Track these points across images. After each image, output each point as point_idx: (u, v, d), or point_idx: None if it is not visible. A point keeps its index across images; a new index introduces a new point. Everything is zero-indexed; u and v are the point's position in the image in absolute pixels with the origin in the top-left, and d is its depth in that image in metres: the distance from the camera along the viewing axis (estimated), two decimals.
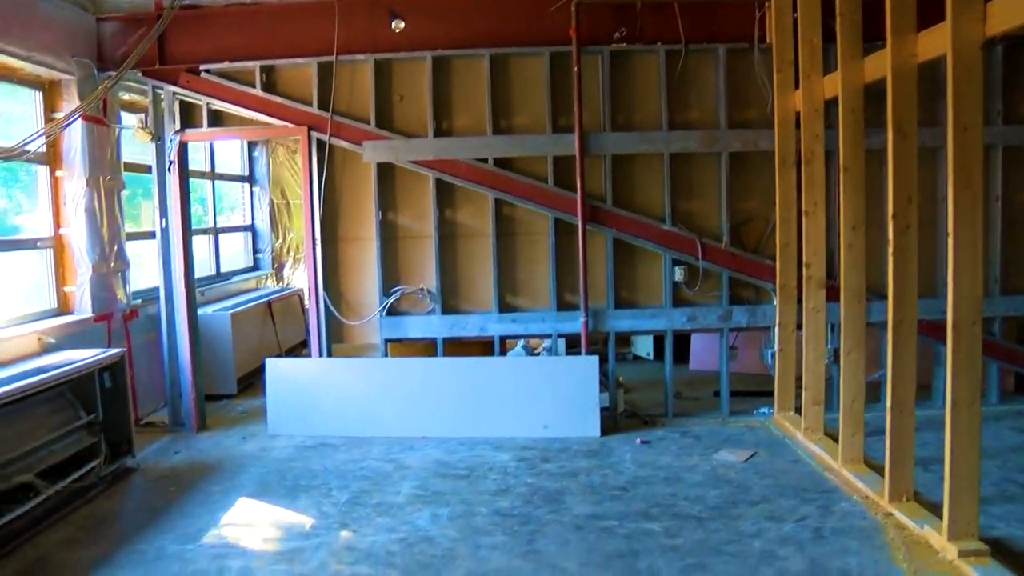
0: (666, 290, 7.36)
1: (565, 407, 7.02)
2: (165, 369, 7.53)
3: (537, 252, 7.36)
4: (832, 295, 6.22)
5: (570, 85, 7.10)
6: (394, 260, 7.37)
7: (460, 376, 7.11)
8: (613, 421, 7.22)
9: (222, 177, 10.71)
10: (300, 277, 12.77)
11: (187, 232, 7.37)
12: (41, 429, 5.45)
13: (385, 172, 7.25)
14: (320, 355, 7.31)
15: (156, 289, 7.85)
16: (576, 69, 6.99)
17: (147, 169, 8.13)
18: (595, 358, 7.08)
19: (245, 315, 8.94)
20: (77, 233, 6.85)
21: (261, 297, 9.85)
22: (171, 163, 7.21)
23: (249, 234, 11.55)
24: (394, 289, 7.33)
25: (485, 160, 7.18)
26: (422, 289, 7.32)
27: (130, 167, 7.78)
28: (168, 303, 7.45)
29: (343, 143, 7.20)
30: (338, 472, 6.20)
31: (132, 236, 7.80)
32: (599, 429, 6.98)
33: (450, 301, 7.38)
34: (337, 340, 7.44)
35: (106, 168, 7.13)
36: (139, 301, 7.78)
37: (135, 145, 7.69)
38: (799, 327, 6.92)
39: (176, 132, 7.23)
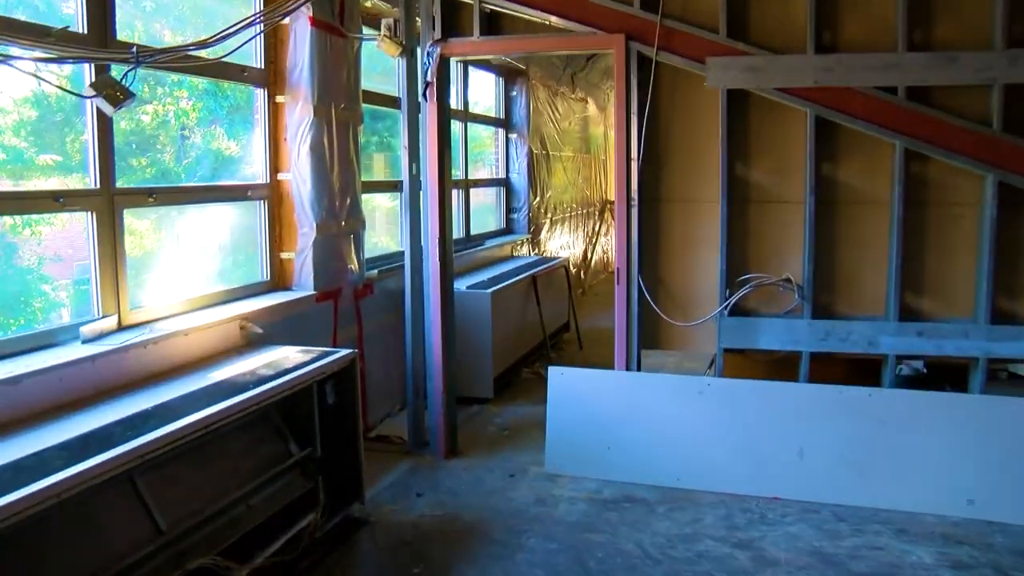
0: None
1: (1003, 474, 4.45)
2: (408, 367, 5.59)
3: (958, 232, 4.71)
4: None
5: None
6: (742, 234, 4.94)
7: (834, 411, 4.68)
8: None
9: (477, 119, 8.74)
10: (556, 243, 10.74)
11: (445, 182, 5.34)
12: (233, 477, 3.57)
13: (735, 105, 4.84)
14: (628, 365, 5.07)
15: (394, 257, 6.02)
16: None
17: (387, 101, 6.27)
18: None
19: (507, 294, 6.88)
20: (300, 179, 4.96)
21: (523, 270, 7.77)
22: (427, 86, 5.16)
23: (503, 189, 9.55)
24: (746, 277, 4.92)
25: (892, 90, 4.63)
26: (787, 280, 4.89)
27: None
28: (415, 277, 5.49)
29: (676, 59, 4.83)
30: (667, 560, 3.97)
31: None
32: None
33: (823, 298, 4.91)
34: (650, 343, 5.16)
35: (340, 94, 5.20)
36: (375, 272, 5.87)
37: (369, 68, 5.77)
38: None
39: (435, 42, 5.16)
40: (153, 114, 4.46)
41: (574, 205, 11.90)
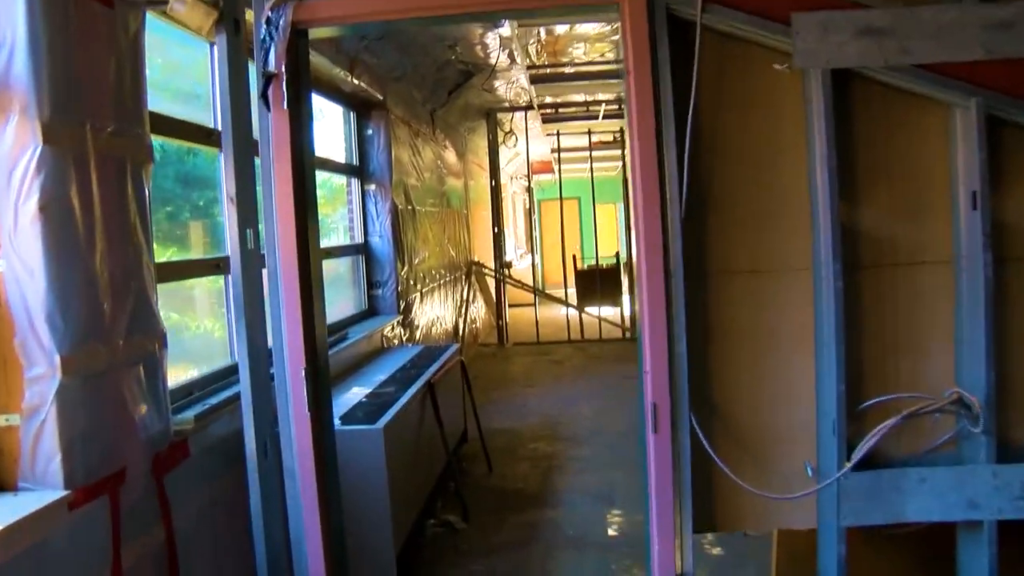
0: None
1: None
2: (259, 563, 3.17)
3: None
4: None
5: None
6: (861, 323, 2.83)
7: None
8: None
9: (327, 166, 6.39)
10: (427, 318, 8.46)
11: (311, 253, 3.00)
12: None
13: (838, 98, 2.75)
14: (681, 573, 2.81)
15: (223, 377, 3.68)
16: None
17: (193, 131, 3.94)
18: None
19: (402, 421, 4.49)
20: (23, 270, 2.48)
21: (412, 372, 5.40)
22: (269, 81, 2.81)
23: (361, 259, 7.18)
24: (876, 401, 2.77)
25: None
26: (959, 401, 2.76)
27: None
28: (261, 415, 3.10)
29: (738, 17, 2.70)
30: None
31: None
32: None
33: (1005, 425, 2.83)
34: (703, 522, 2.92)
35: (106, 106, 2.77)
36: (190, 418, 3.37)
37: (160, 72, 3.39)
38: None
39: (281, 4, 2.84)
40: None
41: (442, 271, 9.67)
